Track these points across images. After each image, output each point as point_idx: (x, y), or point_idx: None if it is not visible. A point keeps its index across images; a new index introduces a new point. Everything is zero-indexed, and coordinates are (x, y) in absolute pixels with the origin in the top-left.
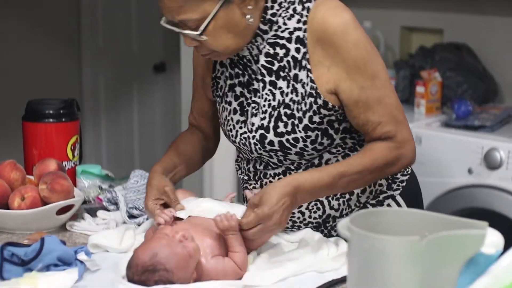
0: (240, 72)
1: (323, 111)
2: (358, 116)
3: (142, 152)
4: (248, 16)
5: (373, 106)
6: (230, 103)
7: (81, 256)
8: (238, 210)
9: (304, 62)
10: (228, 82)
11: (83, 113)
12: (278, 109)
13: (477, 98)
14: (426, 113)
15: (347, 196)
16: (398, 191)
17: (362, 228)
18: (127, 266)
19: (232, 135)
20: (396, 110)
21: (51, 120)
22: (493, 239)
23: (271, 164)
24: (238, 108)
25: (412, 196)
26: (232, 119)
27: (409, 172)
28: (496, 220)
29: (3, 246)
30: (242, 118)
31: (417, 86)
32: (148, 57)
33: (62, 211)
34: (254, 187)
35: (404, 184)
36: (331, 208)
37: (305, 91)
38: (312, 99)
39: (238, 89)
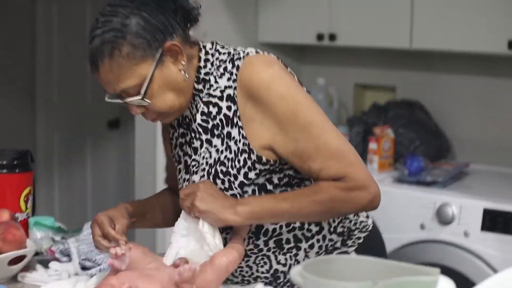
0: (185, 131)
1: (258, 166)
2: (301, 166)
3: (95, 206)
4: (182, 72)
5: (312, 154)
6: (179, 162)
7: None
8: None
9: (235, 120)
10: (178, 141)
11: (36, 166)
12: (214, 167)
13: (429, 154)
14: (379, 169)
15: (294, 251)
16: (353, 248)
17: (314, 275)
18: None
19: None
20: (342, 153)
21: (4, 170)
22: (446, 287)
23: None
24: (183, 166)
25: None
26: (181, 177)
27: (368, 229)
28: (448, 275)
29: None
30: (187, 177)
31: (370, 142)
32: (102, 112)
33: (14, 261)
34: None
35: (361, 240)
36: (278, 262)
37: (238, 148)
38: (246, 155)
39: (184, 148)
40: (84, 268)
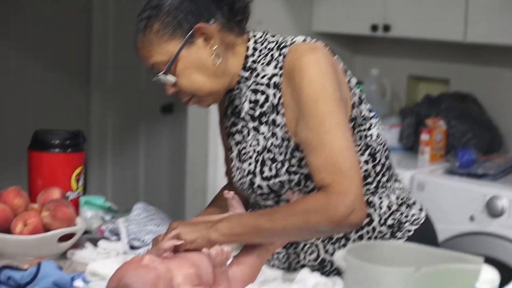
0: (235, 120)
1: (297, 154)
2: (306, 159)
3: (147, 188)
4: (213, 56)
5: (315, 148)
6: (232, 151)
7: (78, 283)
8: None
9: (279, 107)
10: (230, 131)
11: (90, 147)
12: (262, 154)
13: (481, 148)
14: (430, 160)
15: (343, 241)
16: (402, 240)
17: (358, 259)
18: None
19: (235, 182)
20: (340, 158)
21: (56, 150)
22: (489, 276)
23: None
24: (235, 155)
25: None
26: (234, 165)
27: (419, 222)
28: (496, 267)
29: (0, 269)
30: (239, 165)
31: (422, 133)
32: (156, 97)
33: (63, 239)
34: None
35: (411, 233)
36: (326, 252)
37: (282, 135)
38: (287, 142)
39: (236, 137)
40: (132, 247)
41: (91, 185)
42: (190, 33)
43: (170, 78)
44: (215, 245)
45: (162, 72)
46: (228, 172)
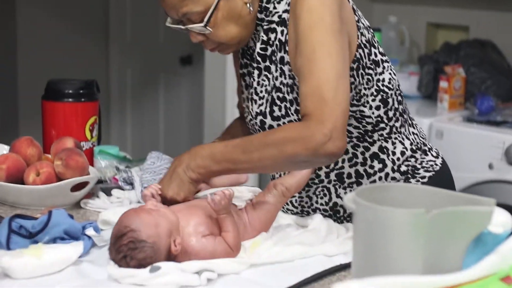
0: (248, 62)
1: None
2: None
3: (166, 141)
4: (248, 5)
5: (305, 76)
6: (243, 92)
7: (89, 231)
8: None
9: (286, 44)
10: (241, 71)
11: (110, 102)
12: (271, 94)
13: (500, 95)
14: (449, 108)
15: (355, 186)
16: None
17: (368, 201)
18: None
19: (247, 122)
20: (325, 87)
21: (70, 99)
22: (502, 218)
23: None
24: (246, 97)
25: None
26: (247, 106)
27: (435, 169)
28: None
29: (12, 218)
30: (250, 106)
31: (440, 81)
32: (175, 49)
33: (77, 188)
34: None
35: (425, 180)
36: (338, 196)
37: (289, 72)
38: (293, 80)
39: (247, 79)
40: None
41: (111, 138)
42: None
43: (208, 29)
44: (198, 178)
45: (202, 22)
46: (240, 105)
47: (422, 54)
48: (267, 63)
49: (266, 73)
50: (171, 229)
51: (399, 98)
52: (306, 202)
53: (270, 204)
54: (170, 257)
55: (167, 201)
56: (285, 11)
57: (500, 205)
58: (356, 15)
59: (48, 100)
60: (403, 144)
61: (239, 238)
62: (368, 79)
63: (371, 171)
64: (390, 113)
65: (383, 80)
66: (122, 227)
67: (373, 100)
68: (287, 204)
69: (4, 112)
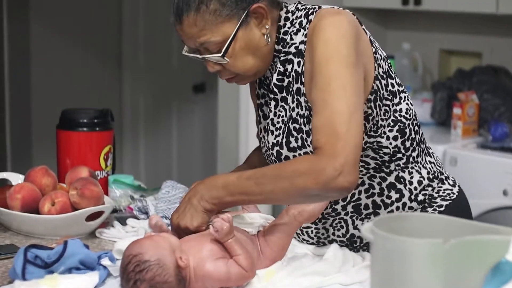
0: (265, 92)
1: None
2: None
3: (180, 168)
4: (265, 37)
5: (319, 108)
6: (260, 122)
7: (105, 261)
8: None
9: (302, 75)
10: (259, 102)
11: (123, 129)
12: (288, 125)
13: None
14: (463, 135)
15: (372, 217)
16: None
17: (385, 231)
18: None
19: (263, 153)
20: (338, 120)
21: (85, 129)
22: None
23: None
24: (263, 127)
25: None
26: (263, 137)
27: (452, 198)
28: None
29: (27, 248)
30: (266, 137)
31: (454, 107)
32: (188, 77)
33: (92, 218)
34: None
35: (442, 209)
36: (355, 227)
37: (306, 104)
38: (309, 111)
39: (264, 109)
40: None
41: (124, 166)
42: (246, 13)
43: (225, 59)
44: (213, 208)
45: (220, 52)
46: (258, 135)
47: (435, 81)
48: (284, 94)
49: (282, 104)
50: (173, 247)
51: (416, 127)
52: (323, 234)
53: (283, 230)
54: (182, 282)
55: (180, 230)
56: (302, 42)
57: None
58: (374, 47)
59: (63, 129)
60: (420, 173)
61: (252, 259)
62: (385, 110)
63: (388, 201)
64: (407, 143)
65: (400, 110)
66: (125, 257)
67: (390, 131)
68: (303, 234)
69: (19, 141)
